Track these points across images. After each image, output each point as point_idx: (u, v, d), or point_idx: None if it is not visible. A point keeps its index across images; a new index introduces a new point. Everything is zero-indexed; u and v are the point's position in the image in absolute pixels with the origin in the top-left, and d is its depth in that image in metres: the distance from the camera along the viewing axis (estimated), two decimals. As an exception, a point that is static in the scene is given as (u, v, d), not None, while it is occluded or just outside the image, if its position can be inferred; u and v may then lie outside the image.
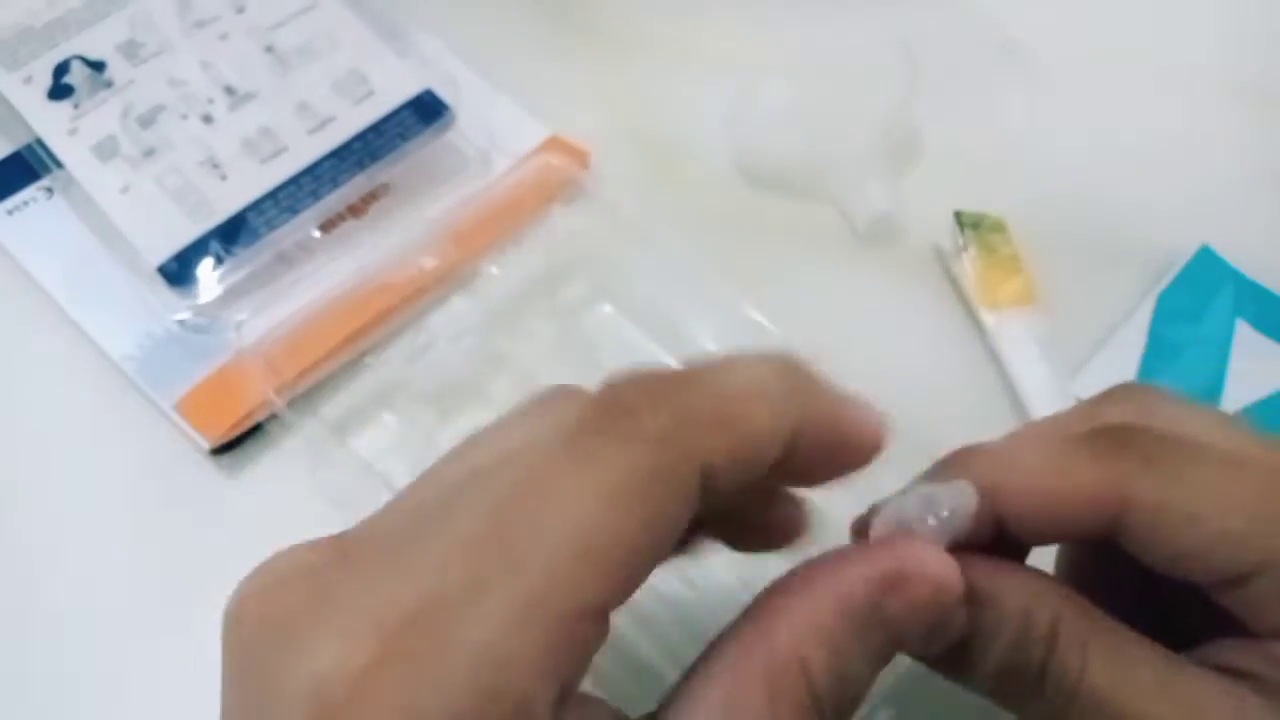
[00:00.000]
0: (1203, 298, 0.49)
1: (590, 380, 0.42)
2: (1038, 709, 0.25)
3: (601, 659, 0.21)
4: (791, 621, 0.22)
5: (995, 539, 0.26)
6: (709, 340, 0.45)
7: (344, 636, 0.20)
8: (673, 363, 0.45)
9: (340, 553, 0.22)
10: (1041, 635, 0.24)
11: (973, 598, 0.24)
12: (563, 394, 0.24)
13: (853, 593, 0.23)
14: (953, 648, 0.25)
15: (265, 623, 0.21)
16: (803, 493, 0.29)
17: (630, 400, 0.22)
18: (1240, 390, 0.47)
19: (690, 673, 0.23)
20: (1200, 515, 0.25)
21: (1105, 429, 0.26)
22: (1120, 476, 0.25)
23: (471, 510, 0.21)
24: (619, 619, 0.21)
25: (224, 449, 0.43)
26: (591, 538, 0.20)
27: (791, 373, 0.25)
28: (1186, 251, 0.50)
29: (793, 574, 0.24)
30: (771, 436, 0.23)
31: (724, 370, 0.23)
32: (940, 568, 0.23)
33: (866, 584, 0.23)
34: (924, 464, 0.39)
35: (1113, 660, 0.24)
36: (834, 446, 0.25)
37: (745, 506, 0.27)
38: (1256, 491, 0.25)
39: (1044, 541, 0.28)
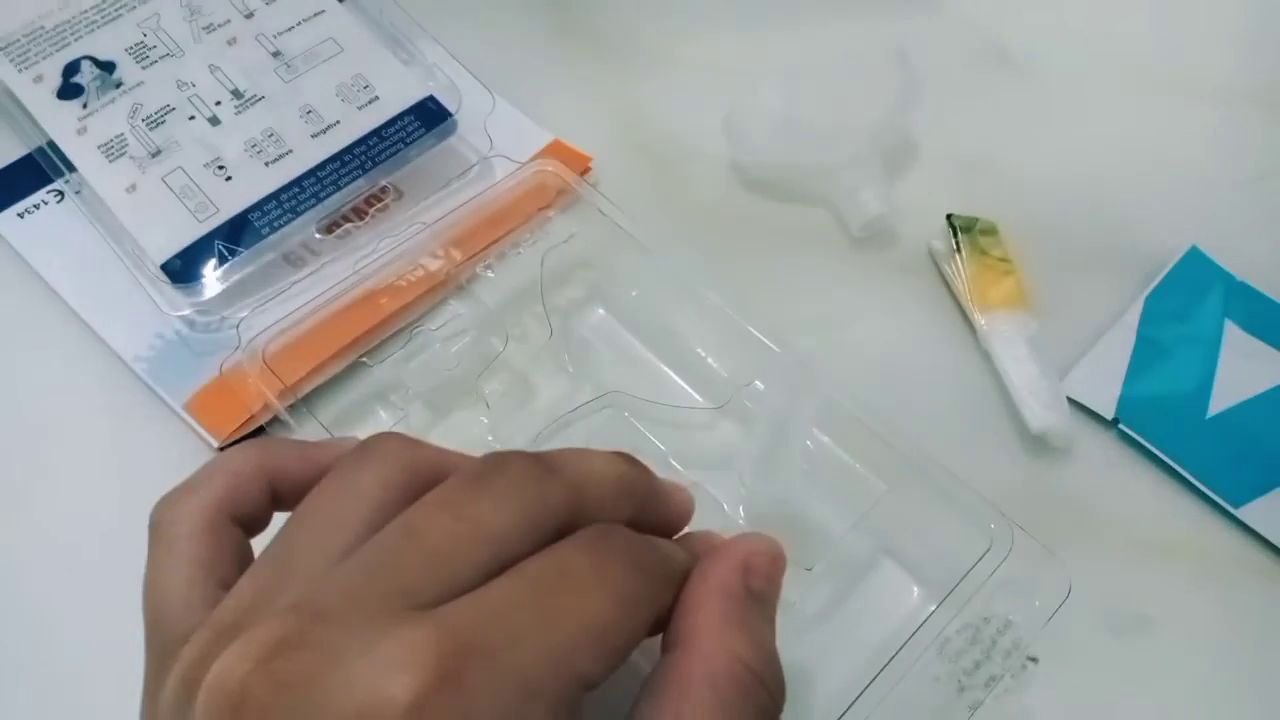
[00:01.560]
0: (1192, 298, 0.50)
1: (582, 382, 0.43)
2: None
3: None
4: (708, 627, 0.27)
5: None
6: (700, 345, 0.45)
7: (392, 665, 0.22)
8: (662, 367, 0.46)
9: (312, 611, 0.24)
10: None
11: None
12: (545, 473, 0.28)
13: (731, 586, 0.28)
14: None
15: (283, 688, 0.22)
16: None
17: (625, 541, 0.27)
18: (1229, 390, 0.47)
19: (644, 702, 0.26)
20: None
21: None
22: None
23: (513, 580, 0.25)
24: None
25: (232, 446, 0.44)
26: (607, 628, 0.25)
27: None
28: (1176, 252, 0.51)
29: (685, 593, 0.29)
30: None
31: (667, 548, 0.29)
32: (766, 544, 0.30)
33: (734, 576, 0.28)
34: (916, 461, 0.40)
35: None
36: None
37: None
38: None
39: None
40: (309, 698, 0.22)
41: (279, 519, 0.29)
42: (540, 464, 0.28)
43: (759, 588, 0.29)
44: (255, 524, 0.31)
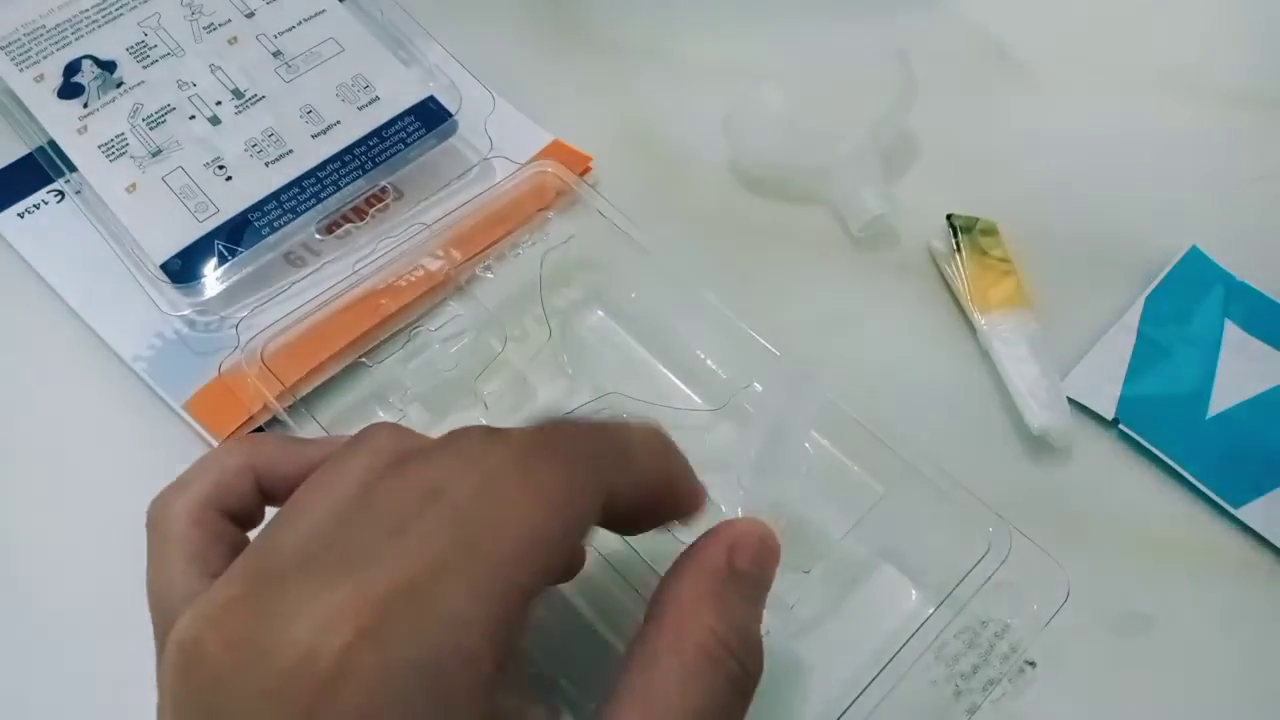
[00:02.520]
0: (1192, 298, 0.50)
1: (581, 383, 0.43)
2: None
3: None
4: (682, 600, 0.29)
5: None
6: (699, 347, 0.46)
7: (319, 624, 0.24)
8: (661, 368, 0.46)
9: (261, 576, 0.26)
10: None
11: None
12: (485, 431, 0.29)
13: (715, 562, 0.30)
14: None
15: (230, 644, 0.24)
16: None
17: (562, 437, 0.28)
18: (1229, 390, 0.47)
19: (620, 672, 0.28)
20: None
21: None
22: None
23: (435, 516, 0.26)
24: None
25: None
26: (535, 533, 0.26)
27: (665, 441, 0.31)
28: (1176, 252, 0.51)
29: (671, 569, 0.30)
30: (651, 483, 0.30)
31: (626, 430, 0.30)
32: (757, 527, 0.31)
33: (719, 553, 0.30)
34: (915, 463, 0.40)
35: None
36: (675, 499, 0.32)
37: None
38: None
39: None
40: (250, 654, 0.24)
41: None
42: (491, 430, 0.29)
43: (743, 567, 0.30)
44: (247, 518, 0.32)
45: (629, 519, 0.31)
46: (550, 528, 0.26)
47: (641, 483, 0.30)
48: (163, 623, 0.29)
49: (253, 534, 0.31)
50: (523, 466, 0.27)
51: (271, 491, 0.32)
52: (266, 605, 0.25)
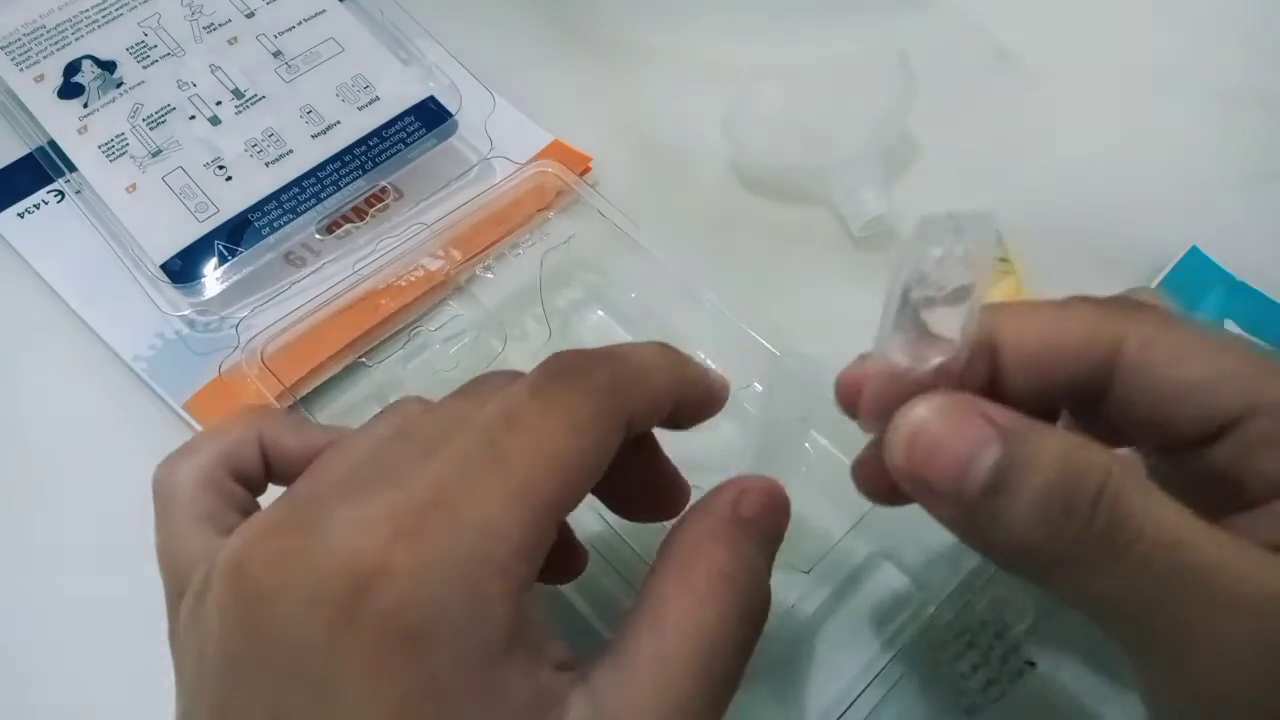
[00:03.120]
0: (1192, 298, 0.50)
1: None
2: (1076, 556, 0.25)
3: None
4: (687, 541, 0.29)
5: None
6: (698, 346, 0.46)
7: (358, 530, 0.25)
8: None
9: (308, 498, 0.28)
10: (1095, 465, 0.25)
11: (1007, 436, 0.26)
12: (507, 372, 0.31)
13: (721, 509, 0.30)
14: (987, 490, 0.26)
15: (273, 560, 0.26)
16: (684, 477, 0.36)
17: (578, 364, 0.29)
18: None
19: (631, 609, 0.28)
20: (1189, 354, 0.27)
21: (1107, 297, 0.30)
22: (1117, 317, 0.28)
23: (465, 436, 0.27)
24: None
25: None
26: (560, 456, 0.27)
27: (673, 352, 0.32)
28: (1176, 252, 0.51)
29: (679, 520, 0.31)
30: (667, 394, 0.31)
31: (634, 350, 0.31)
32: (766, 481, 0.31)
33: (725, 502, 0.30)
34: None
35: (1178, 509, 0.25)
36: (699, 402, 0.33)
37: (640, 487, 0.34)
38: (1243, 353, 0.27)
39: (1039, 398, 0.29)
40: (296, 564, 0.25)
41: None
42: (516, 374, 0.31)
43: (748, 513, 0.30)
44: (254, 486, 0.33)
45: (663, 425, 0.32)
46: (574, 448, 0.27)
47: (660, 395, 0.31)
48: (176, 583, 0.29)
49: (263, 501, 0.32)
50: (543, 394, 0.28)
51: (276, 466, 0.33)
52: (308, 523, 0.26)
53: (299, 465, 0.31)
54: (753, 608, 0.29)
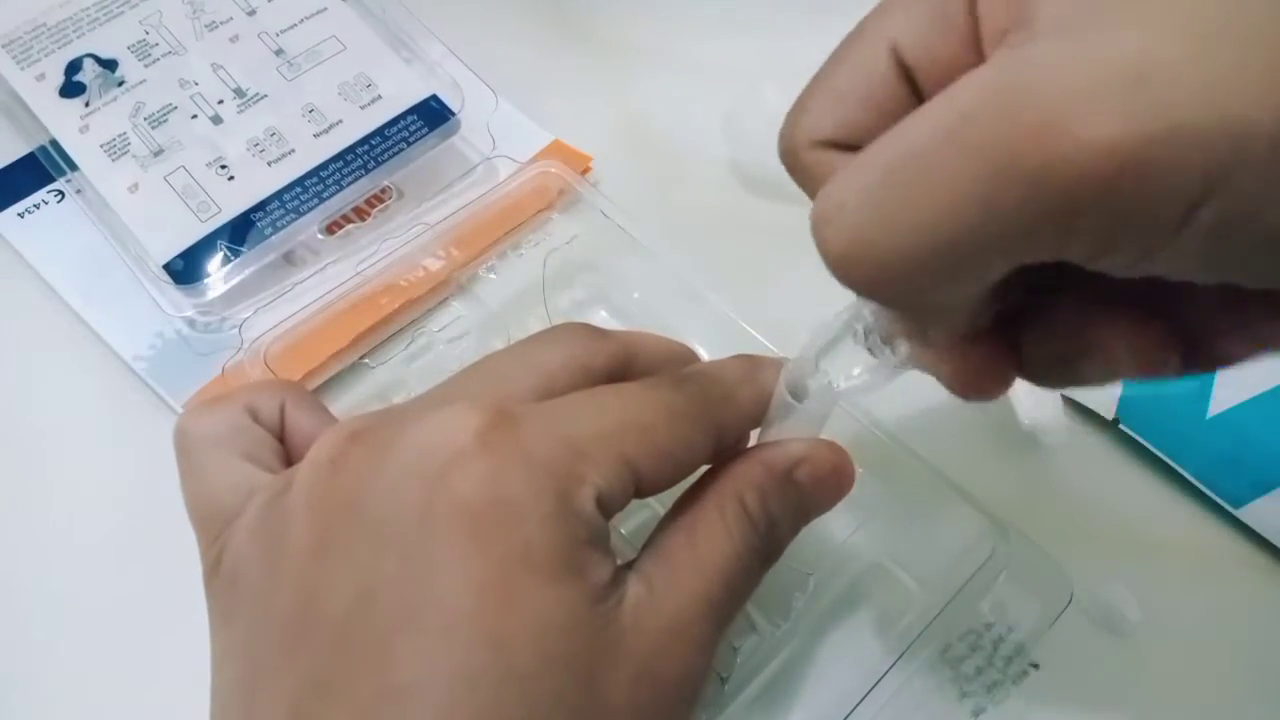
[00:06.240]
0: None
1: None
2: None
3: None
4: (735, 475, 0.31)
5: None
6: (701, 347, 0.46)
7: (453, 417, 0.27)
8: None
9: (392, 411, 0.30)
10: None
11: None
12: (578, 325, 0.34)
13: (777, 461, 0.31)
14: None
15: (371, 449, 0.27)
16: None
17: (682, 389, 0.32)
18: (1228, 390, 0.47)
19: (661, 522, 0.31)
20: None
21: None
22: None
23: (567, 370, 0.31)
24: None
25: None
26: (650, 431, 0.29)
27: (746, 362, 0.34)
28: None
29: (740, 453, 0.32)
30: (752, 413, 0.33)
31: (718, 371, 0.34)
32: (838, 457, 0.32)
33: (786, 458, 0.31)
34: (915, 460, 0.40)
35: None
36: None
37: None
38: None
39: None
40: (393, 445, 0.27)
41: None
42: (594, 328, 0.33)
43: (803, 481, 0.31)
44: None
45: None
46: (665, 430, 0.29)
47: (745, 415, 0.32)
48: (212, 527, 0.30)
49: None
50: (644, 382, 0.31)
51: (288, 439, 0.33)
52: (400, 420, 0.28)
53: (307, 445, 0.31)
54: (769, 554, 0.31)
